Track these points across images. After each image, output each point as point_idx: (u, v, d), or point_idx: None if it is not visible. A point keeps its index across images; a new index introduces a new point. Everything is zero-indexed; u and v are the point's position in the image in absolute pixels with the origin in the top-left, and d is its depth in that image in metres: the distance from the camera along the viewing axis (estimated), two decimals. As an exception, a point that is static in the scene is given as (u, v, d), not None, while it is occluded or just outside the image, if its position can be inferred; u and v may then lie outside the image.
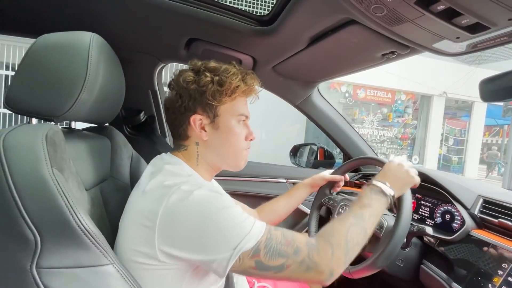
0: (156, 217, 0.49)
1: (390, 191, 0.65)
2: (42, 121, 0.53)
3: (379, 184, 0.66)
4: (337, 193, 1.00)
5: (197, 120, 0.60)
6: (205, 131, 0.61)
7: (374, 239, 0.70)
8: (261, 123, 5.12)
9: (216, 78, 0.59)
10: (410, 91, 6.92)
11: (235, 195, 1.25)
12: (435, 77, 6.61)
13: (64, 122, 0.60)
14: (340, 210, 0.83)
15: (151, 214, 0.50)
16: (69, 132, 0.64)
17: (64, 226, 0.41)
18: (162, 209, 0.49)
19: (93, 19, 0.86)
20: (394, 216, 0.72)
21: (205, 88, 0.59)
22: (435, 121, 7.08)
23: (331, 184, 0.97)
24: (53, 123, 0.53)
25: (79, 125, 0.69)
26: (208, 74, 0.59)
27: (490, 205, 0.76)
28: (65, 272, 0.42)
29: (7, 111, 4.19)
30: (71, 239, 0.42)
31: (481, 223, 0.75)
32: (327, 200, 0.94)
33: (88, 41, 0.54)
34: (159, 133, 1.21)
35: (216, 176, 0.69)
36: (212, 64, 0.62)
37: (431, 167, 6.91)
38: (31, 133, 0.45)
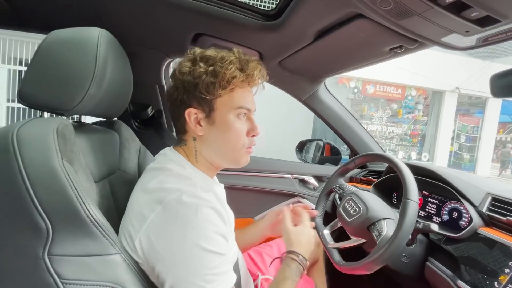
0: (145, 221, 0.49)
1: (303, 260, 0.68)
2: (53, 115, 0.55)
3: (294, 256, 0.68)
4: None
5: (192, 114, 0.57)
6: (201, 126, 0.58)
7: (374, 242, 0.69)
8: (267, 118, 5.10)
9: (211, 68, 0.54)
10: (421, 87, 6.75)
11: (239, 189, 1.27)
12: (448, 72, 6.43)
13: (75, 116, 0.62)
14: (345, 204, 0.82)
15: (142, 216, 0.50)
16: (79, 126, 0.66)
17: (74, 216, 0.43)
18: (152, 216, 0.49)
19: (102, 15, 0.88)
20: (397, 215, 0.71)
21: (198, 80, 0.54)
22: (446, 117, 6.91)
23: (344, 173, 0.96)
24: (64, 117, 0.55)
25: (89, 120, 0.71)
26: (202, 65, 0.55)
27: (498, 203, 0.75)
28: (75, 260, 0.44)
29: (21, 106, 4.31)
30: (80, 228, 0.44)
31: (488, 221, 0.74)
32: (337, 188, 0.92)
33: (96, 36, 0.55)
34: (167, 127, 1.23)
35: (220, 170, 0.68)
36: (209, 52, 0.57)
37: (441, 164, 6.76)
38: (42, 127, 0.46)
